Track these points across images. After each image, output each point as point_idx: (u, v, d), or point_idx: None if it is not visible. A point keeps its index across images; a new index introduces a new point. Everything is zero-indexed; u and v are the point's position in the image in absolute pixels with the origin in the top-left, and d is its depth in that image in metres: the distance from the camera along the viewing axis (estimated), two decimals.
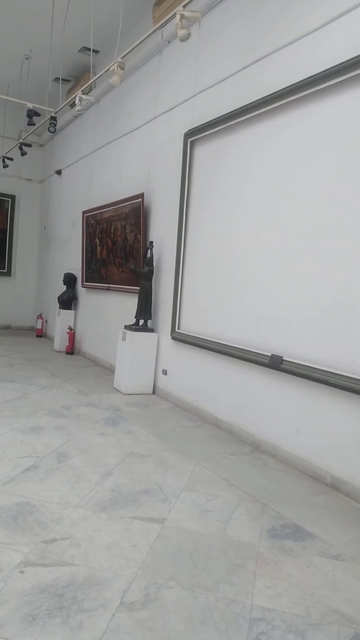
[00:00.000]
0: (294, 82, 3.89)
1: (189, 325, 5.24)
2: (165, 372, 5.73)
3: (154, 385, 5.91)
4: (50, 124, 6.93)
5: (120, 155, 7.21)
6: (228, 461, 3.79)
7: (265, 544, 2.61)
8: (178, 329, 5.43)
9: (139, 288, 6.02)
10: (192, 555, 2.43)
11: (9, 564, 2.20)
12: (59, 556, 2.31)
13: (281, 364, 3.84)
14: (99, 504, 2.88)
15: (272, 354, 3.95)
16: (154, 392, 5.90)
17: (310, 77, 3.71)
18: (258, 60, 4.38)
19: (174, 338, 5.46)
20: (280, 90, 4.00)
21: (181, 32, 4.04)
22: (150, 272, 5.90)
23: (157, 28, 4.76)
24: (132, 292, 6.50)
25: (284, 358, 3.84)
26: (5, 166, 9.37)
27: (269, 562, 2.43)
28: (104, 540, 2.48)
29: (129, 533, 2.58)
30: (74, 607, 1.96)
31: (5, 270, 11.08)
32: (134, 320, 6.04)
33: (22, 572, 2.15)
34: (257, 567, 2.38)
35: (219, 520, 2.81)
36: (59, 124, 8.97)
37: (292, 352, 3.80)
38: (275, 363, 3.89)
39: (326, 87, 3.61)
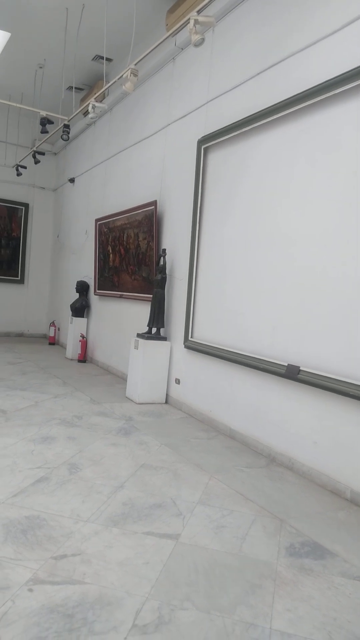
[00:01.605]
0: (309, 87, 3.81)
1: (203, 333, 5.16)
2: (178, 382, 5.65)
3: (167, 395, 5.83)
4: (63, 132, 6.94)
5: (133, 163, 7.19)
6: (243, 474, 3.69)
7: (283, 562, 2.50)
8: (191, 337, 5.35)
9: (151, 296, 5.95)
10: (208, 574, 2.33)
11: (18, 582, 2.12)
12: (69, 573, 2.22)
13: (298, 374, 3.73)
14: (111, 518, 2.79)
15: (288, 364, 3.85)
16: (166, 402, 5.82)
17: (327, 80, 3.64)
18: (273, 65, 4.31)
19: (187, 347, 5.38)
20: (296, 95, 3.93)
21: (195, 38, 4.00)
22: (163, 280, 5.83)
23: (170, 35, 4.72)
24: (145, 299, 6.45)
25: (301, 368, 3.73)
26: (19, 174, 9.42)
27: (288, 583, 2.32)
28: (116, 557, 2.40)
29: (142, 549, 2.49)
30: (84, 630, 1.87)
31: (19, 278, 11.11)
32: (146, 329, 5.97)
33: (30, 590, 2.07)
34: (275, 587, 2.27)
35: (235, 536, 2.71)
36: (72, 132, 9.01)
37: (310, 362, 3.70)
38: (291, 373, 3.78)
39: (343, 91, 3.53)
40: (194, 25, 3.99)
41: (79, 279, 9.06)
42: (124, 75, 5.02)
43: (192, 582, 2.25)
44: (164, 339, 5.85)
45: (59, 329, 10.42)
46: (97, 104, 5.72)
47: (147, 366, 5.70)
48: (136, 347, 5.82)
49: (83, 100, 8.78)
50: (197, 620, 1.99)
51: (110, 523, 2.73)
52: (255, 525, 2.87)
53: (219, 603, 2.11)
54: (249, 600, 2.16)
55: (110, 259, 7.67)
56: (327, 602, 2.19)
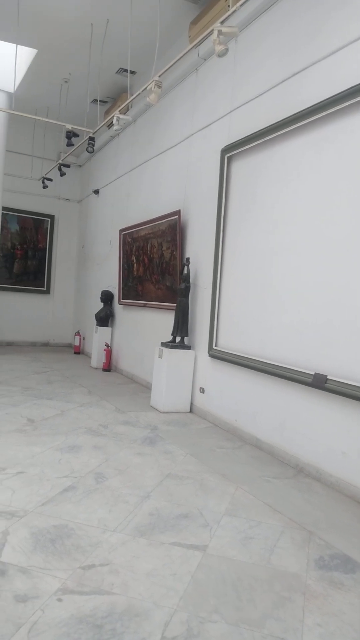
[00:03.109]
0: (335, 94, 3.79)
1: (227, 342, 5.14)
2: (202, 390, 5.63)
3: (191, 404, 5.81)
4: (88, 144, 7.05)
5: (156, 173, 7.26)
6: (270, 485, 3.64)
7: (313, 575, 2.45)
8: (216, 346, 5.33)
9: (175, 305, 5.97)
10: (236, 586, 2.31)
11: (47, 591, 2.13)
12: (97, 583, 2.23)
13: (325, 383, 3.68)
14: (138, 528, 2.79)
15: (315, 373, 3.80)
16: (191, 411, 5.80)
17: (352, 87, 3.61)
18: (297, 73, 4.31)
19: (211, 355, 5.36)
20: (321, 102, 3.91)
21: (219, 48, 4.03)
22: (187, 289, 5.85)
23: (194, 46, 4.77)
24: (169, 308, 6.46)
25: (329, 377, 3.68)
26: (45, 187, 9.58)
27: (318, 596, 2.28)
28: (144, 568, 2.39)
29: (169, 560, 2.48)
30: None
31: (45, 289, 11.28)
32: (170, 337, 5.98)
33: (60, 600, 2.08)
34: (305, 601, 2.23)
35: (263, 548, 2.68)
36: (97, 144, 9.14)
37: (338, 371, 3.64)
38: (318, 382, 3.74)
39: None
40: (217, 36, 4.01)
41: (104, 289, 9.14)
42: (148, 87, 5.08)
43: (221, 594, 2.23)
44: (188, 347, 5.85)
45: (84, 339, 10.52)
46: (121, 116, 5.81)
47: (172, 375, 5.70)
48: (160, 356, 5.83)
49: (107, 112, 8.92)
50: (226, 633, 1.97)
51: (137, 533, 2.73)
52: (284, 537, 2.83)
53: (248, 616, 2.09)
54: (278, 613, 2.12)
55: (134, 268, 7.72)
56: (359, 618, 2.14)
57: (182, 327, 5.85)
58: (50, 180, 9.54)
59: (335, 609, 2.19)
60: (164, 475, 3.65)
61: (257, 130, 4.71)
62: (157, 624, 1.99)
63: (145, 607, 2.09)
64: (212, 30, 4.07)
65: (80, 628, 1.92)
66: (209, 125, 5.80)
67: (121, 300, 8.33)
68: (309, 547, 2.74)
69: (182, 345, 5.83)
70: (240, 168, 5.07)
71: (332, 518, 3.16)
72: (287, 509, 3.23)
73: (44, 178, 9.47)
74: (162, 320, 6.81)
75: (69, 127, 6.86)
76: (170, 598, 2.17)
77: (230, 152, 5.17)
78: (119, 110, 5.98)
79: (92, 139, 7.00)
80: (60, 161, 8.76)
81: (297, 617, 2.11)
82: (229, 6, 4.91)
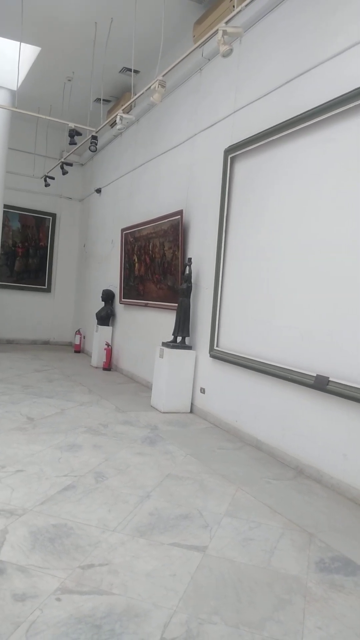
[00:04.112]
0: (339, 95, 3.78)
1: (229, 343, 5.13)
2: (203, 391, 5.62)
3: (192, 404, 5.80)
4: (91, 143, 7.03)
5: (159, 173, 7.24)
6: (271, 486, 3.63)
7: (313, 578, 2.44)
8: (217, 346, 5.32)
9: (176, 304, 5.95)
10: (236, 587, 2.29)
11: (46, 590, 2.12)
12: (96, 583, 2.21)
13: (327, 384, 3.67)
14: (138, 528, 2.78)
15: (317, 375, 3.79)
16: (191, 411, 5.79)
17: (357, 88, 3.60)
18: (302, 74, 4.30)
19: (212, 356, 5.35)
20: (325, 103, 3.90)
21: (223, 48, 4.02)
22: (189, 289, 5.83)
23: (198, 46, 4.75)
24: (170, 308, 6.45)
25: (331, 379, 3.66)
26: (47, 185, 9.57)
27: (319, 599, 2.27)
28: (143, 568, 2.38)
29: (168, 561, 2.46)
30: None
31: (46, 287, 11.27)
32: (171, 337, 5.97)
33: (58, 599, 2.07)
34: (306, 603, 2.22)
35: (263, 550, 2.66)
36: (100, 143, 9.13)
37: (340, 373, 3.63)
38: (320, 384, 3.72)
39: None
40: (222, 36, 4.00)
41: (105, 288, 9.13)
42: (152, 87, 5.06)
43: (220, 595, 2.21)
44: (189, 347, 5.84)
45: (84, 337, 10.50)
46: (124, 115, 5.79)
47: (172, 375, 5.69)
48: (161, 356, 5.82)
49: (110, 112, 8.91)
50: (226, 635, 1.95)
51: (137, 533, 2.72)
52: (284, 539, 2.81)
53: (247, 618, 2.07)
54: (278, 616, 2.11)
55: (136, 268, 7.71)
56: None
57: (183, 327, 5.84)
58: (53, 178, 9.52)
59: (336, 612, 2.17)
60: (164, 475, 3.64)
61: (262, 130, 4.70)
62: (156, 624, 1.97)
63: (145, 607, 2.08)
64: (217, 30, 4.06)
65: (79, 628, 1.91)
66: (212, 125, 5.79)
67: (122, 300, 8.31)
68: (309, 549, 2.72)
69: (183, 346, 5.82)
70: (244, 169, 5.05)
71: (333, 520, 3.14)
72: (288, 510, 3.21)
73: (46, 176, 9.46)
74: (163, 320, 6.80)
75: (72, 125, 6.84)
76: (169, 599, 2.15)
77: (234, 152, 5.15)
78: (122, 110, 5.96)
79: (94, 137, 6.98)
80: (62, 159, 8.75)
81: (298, 620, 2.09)
82: (233, 6, 4.90)
